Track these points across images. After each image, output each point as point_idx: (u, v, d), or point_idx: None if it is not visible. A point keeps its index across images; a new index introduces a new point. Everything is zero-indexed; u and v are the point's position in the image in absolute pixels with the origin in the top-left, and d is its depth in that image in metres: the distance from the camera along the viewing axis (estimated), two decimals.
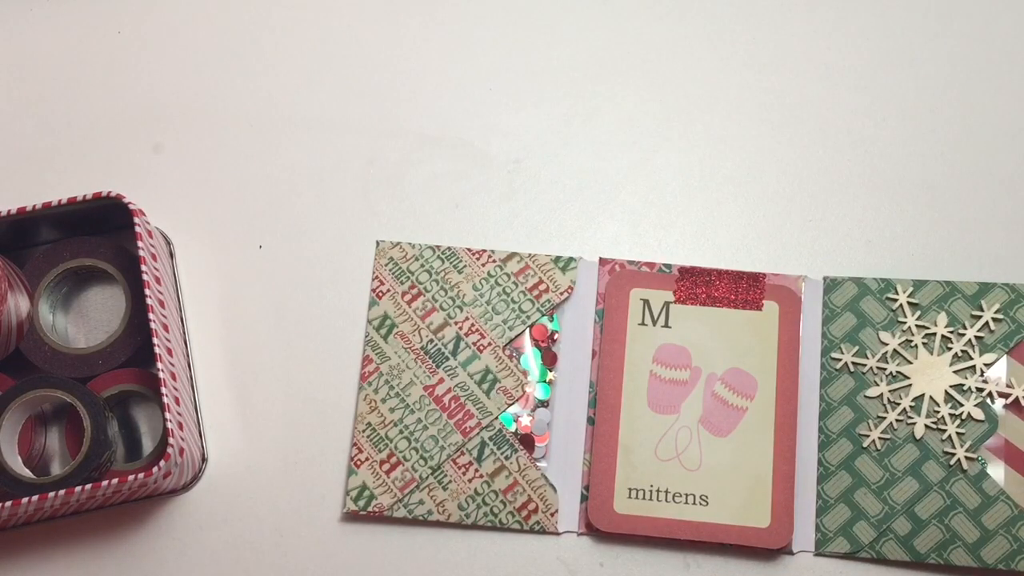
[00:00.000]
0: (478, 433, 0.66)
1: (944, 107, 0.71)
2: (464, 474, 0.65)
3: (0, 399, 0.62)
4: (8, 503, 0.60)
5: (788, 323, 0.67)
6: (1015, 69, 0.71)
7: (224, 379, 0.68)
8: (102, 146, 0.71)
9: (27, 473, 0.63)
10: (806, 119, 0.71)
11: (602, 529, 0.64)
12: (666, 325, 0.67)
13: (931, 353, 0.65)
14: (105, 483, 0.60)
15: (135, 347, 0.65)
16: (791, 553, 0.64)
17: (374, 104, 0.72)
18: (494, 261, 0.68)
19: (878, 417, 0.65)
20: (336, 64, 0.72)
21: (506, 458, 0.65)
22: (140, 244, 0.63)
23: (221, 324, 0.68)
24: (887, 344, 0.66)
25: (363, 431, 0.66)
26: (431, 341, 0.67)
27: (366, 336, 0.67)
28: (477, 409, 0.66)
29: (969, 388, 0.65)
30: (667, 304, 0.67)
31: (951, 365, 0.65)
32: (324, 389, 0.67)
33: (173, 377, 0.63)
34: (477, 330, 0.67)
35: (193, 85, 0.72)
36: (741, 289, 0.67)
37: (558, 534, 0.65)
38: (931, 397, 0.65)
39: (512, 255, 0.68)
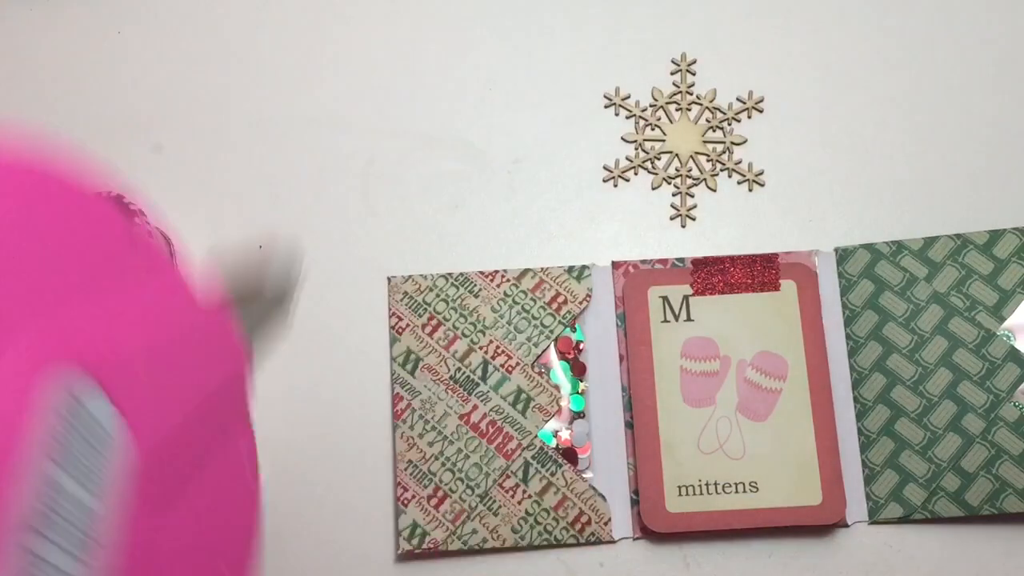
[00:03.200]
0: (520, 454, 0.65)
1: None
2: (513, 497, 0.65)
3: None
4: None
5: (807, 299, 0.67)
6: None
7: None
8: (102, 146, 0.71)
9: None
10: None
11: (657, 530, 0.64)
12: (688, 319, 0.67)
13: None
14: None
15: None
16: (846, 525, 0.64)
17: (374, 104, 0.72)
18: (508, 280, 0.68)
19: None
20: (336, 64, 0.72)
21: (552, 475, 0.65)
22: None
23: None
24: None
25: (405, 469, 0.65)
26: (459, 369, 0.67)
27: (392, 374, 0.67)
28: (515, 430, 0.66)
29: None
30: (686, 298, 0.67)
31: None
32: (323, 387, 0.67)
33: None
34: (503, 352, 0.67)
35: (193, 85, 0.72)
36: (756, 272, 0.67)
37: (614, 542, 0.64)
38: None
39: (525, 271, 0.68)
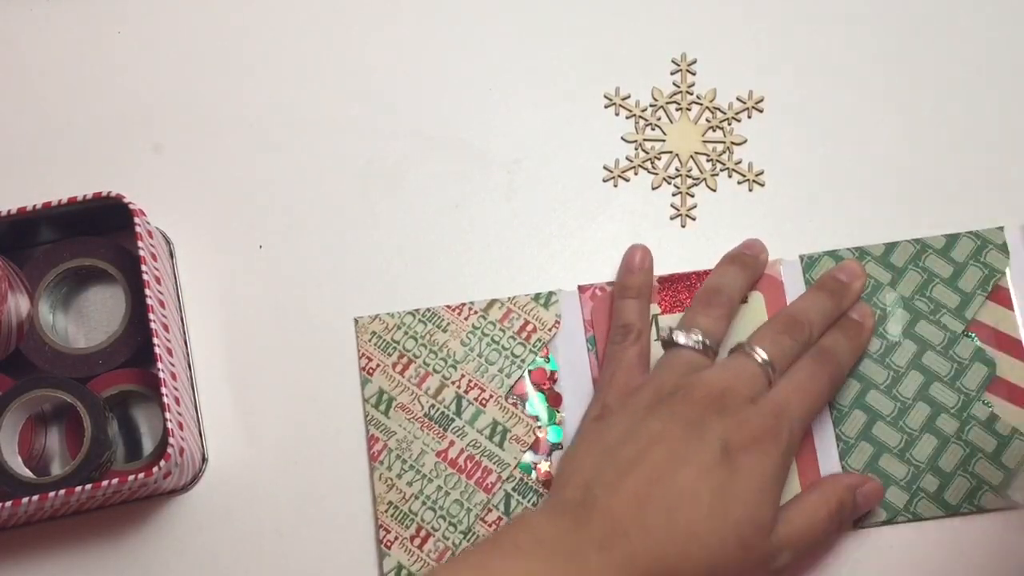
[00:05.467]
0: (500, 487, 0.65)
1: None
2: (496, 530, 0.65)
3: (0, 399, 0.62)
4: (8, 503, 0.59)
5: (776, 309, 0.66)
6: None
7: (224, 379, 0.68)
8: (102, 146, 0.71)
9: (27, 473, 0.63)
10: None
11: None
12: (659, 338, 0.67)
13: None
14: (105, 483, 0.60)
15: (135, 347, 0.65)
16: None
17: (374, 104, 0.72)
18: (476, 312, 0.68)
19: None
20: (336, 64, 0.72)
21: (533, 505, 0.65)
22: (140, 244, 0.63)
23: (221, 324, 0.68)
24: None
25: (386, 511, 0.65)
26: (433, 406, 0.66)
27: (366, 415, 0.66)
28: (494, 464, 0.65)
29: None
30: (655, 317, 0.67)
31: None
32: (323, 385, 0.67)
33: (173, 377, 0.63)
34: (476, 385, 0.67)
35: (193, 85, 0.72)
36: None
37: None
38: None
39: (492, 302, 0.68)
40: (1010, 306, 0.66)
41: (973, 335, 0.66)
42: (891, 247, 0.67)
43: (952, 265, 0.67)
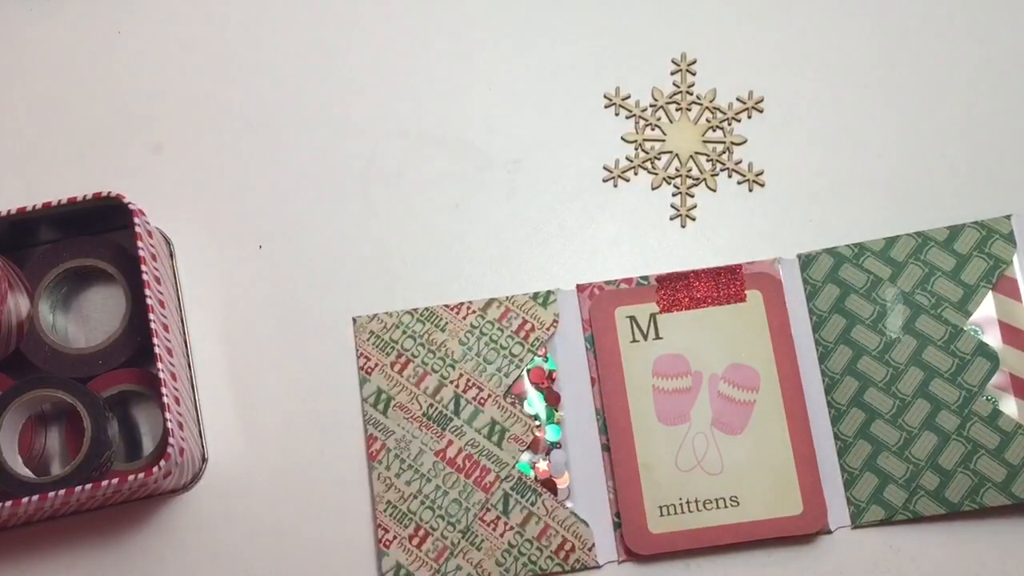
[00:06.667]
0: (498, 486, 0.65)
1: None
2: (495, 530, 0.65)
3: (0, 399, 0.62)
4: (8, 503, 0.59)
5: (774, 307, 0.67)
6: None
7: (224, 379, 0.68)
8: (102, 146, 0.71)
9: (27, 473, 0.63)
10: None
11: (641, 552, 0.64)
12: (657, 337, 0.67)
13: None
14: (105, 483, 0.60)
15: (135, 347, 0.65)
16: (830, 532, 0.64)
17: (374, 104, 0.72)
18: (474, 312, 0.68)
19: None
20: (336, 64, 0.72)
21: (532, 504, 0.65)
22: (140, 244, 0.63)
23: (221, 324, 0.68)
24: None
25: (384, 510, 0.65)
26: (431, 406, 0.66)
27: (364, 415, 0.67)
28: (492, 463, 0.66)
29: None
30: (653, 316, 0.67)
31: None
32: (322, 385, 0.67)
33: (173, 377, 0.63)
34: (474, 384, 0.67)
35: (193, 85, 0.72)
36: (721, 284, 0.67)
37: (599, 567, 0.65)
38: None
39: (491, 301, 0.68)
40: (1019, 297, 0.65)
41: (977, 328, 0.65)
42: (891, 241, 0.67)
43: (955, 257, 0.66)
